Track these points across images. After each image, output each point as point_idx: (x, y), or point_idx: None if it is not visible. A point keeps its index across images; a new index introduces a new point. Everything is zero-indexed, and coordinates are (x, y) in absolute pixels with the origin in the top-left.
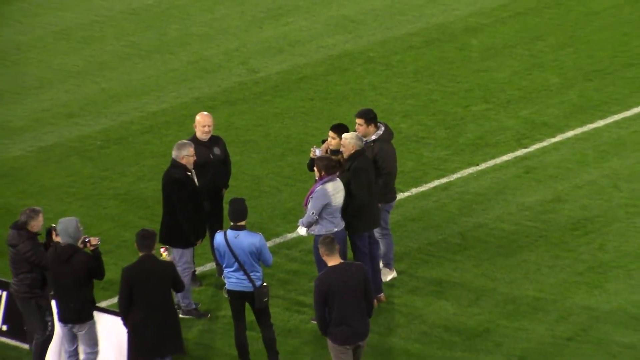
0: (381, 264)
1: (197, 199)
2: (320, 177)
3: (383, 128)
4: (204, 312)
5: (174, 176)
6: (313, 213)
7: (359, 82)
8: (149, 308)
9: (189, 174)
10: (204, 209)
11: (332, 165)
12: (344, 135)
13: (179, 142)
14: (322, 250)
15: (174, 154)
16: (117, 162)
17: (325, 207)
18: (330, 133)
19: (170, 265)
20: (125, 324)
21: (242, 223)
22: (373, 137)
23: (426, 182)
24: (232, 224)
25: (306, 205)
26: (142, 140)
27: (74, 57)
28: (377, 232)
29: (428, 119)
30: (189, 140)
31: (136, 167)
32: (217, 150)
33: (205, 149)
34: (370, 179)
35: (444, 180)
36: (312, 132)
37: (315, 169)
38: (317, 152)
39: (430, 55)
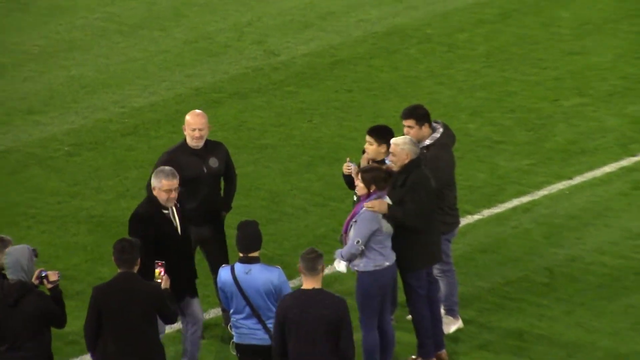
0: (442, 310)
1: (175, 249)
2: (368, 194)
3: (441, 129)
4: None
5: (138, 211)
6: (358, 242)
7: (412, 68)
8: (123, 341)
9: (166, 211)
10: (187, 265)
11: (382, 177)
12: (394, 140)
13: (160, 166)
14: (301, 265)
15: (152, 180)
16: (90, 173)
17: (374, 234)
18: (367, 137)
19: (156, 289)
20: (92, 357)
21: (255, 254)
22: (427, 142)
23: (502, 201)
24: (241, 255)
25: (346, 232)
26: (124, 145)
27: (34, 34)
28: (435, 269)
29: (504, 117)
30: (178, 146)
31: (116, 181)
32: (213, 162)
33: (197, 160)
34: (430, 198)
35: (525, 198)
36: (350, 135)
37: (357, 184)
38: (353, 167)
39: (507, 32)
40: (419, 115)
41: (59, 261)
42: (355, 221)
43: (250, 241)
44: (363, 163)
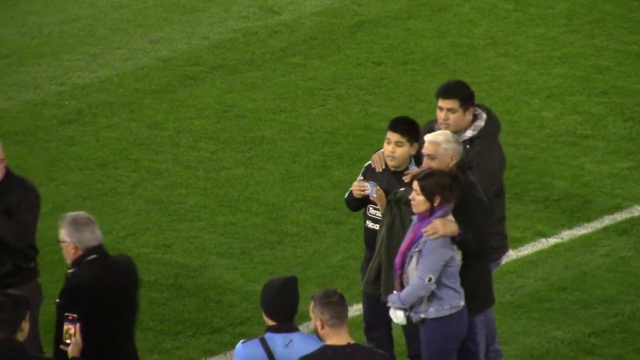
0: None
1: None
2: (431, 210)
3: (484, 116)
4: None
5: None
6: (430, 280)
7: (464, 33)
8: None
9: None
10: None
11: (447, 184)
12: (431, 137)
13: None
14: (322, 316)
15: None
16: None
17: (447, 265)
18: (389, 134)
19: None
20: None
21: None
22: (468, 134)
23: (589, 220)
24: (272, 324)
25: (401, 266)
26: (63, 137)
27: None
28: None
29: (593, 102)
30: None
31: (51, 187)
32: None
33: None
34: (484, 216)
35: (621, 215)
36: (379, 125)
37: (414, 198)
38: (371, 187)
39: None
40: (466, 95)
41: None
42: (419, 250)
43: (290, 302)
44: (376, 166)
